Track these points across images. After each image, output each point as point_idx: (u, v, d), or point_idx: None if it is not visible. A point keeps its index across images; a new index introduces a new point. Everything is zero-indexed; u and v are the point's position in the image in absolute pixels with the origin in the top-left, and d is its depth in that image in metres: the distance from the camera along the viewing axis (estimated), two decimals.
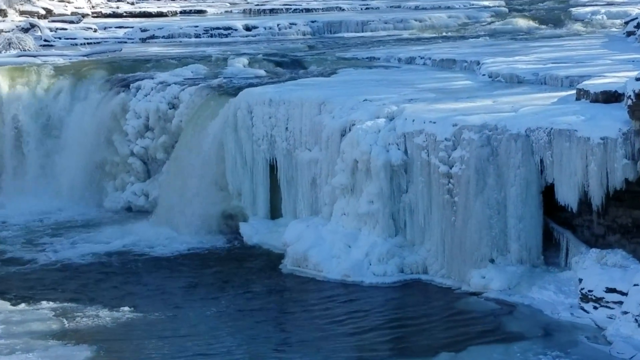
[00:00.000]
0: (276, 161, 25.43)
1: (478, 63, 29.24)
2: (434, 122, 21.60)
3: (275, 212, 25.63)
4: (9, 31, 43.59)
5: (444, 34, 45.10)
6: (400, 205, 22.18)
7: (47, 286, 22.27)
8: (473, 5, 59.05)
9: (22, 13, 52.50)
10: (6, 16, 50.92)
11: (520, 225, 20.45)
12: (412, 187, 22.01)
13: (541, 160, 20.28)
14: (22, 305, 20.69)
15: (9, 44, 39.13)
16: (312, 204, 24.48)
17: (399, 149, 22.07)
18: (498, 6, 58.60)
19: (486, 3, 60.32)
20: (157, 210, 27.16)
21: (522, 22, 47.14)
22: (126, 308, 20.35)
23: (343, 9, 58.66)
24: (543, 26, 46.18)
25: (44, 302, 20.86)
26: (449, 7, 57.29)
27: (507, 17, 50.64)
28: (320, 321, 19.71)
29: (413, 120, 22.05)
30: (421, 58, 32.73)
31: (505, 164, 20.48)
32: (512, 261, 20.60)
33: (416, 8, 57.95)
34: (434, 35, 44.71)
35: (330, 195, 23.37)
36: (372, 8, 59.30)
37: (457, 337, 18.62)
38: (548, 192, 20.49)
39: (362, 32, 47.49)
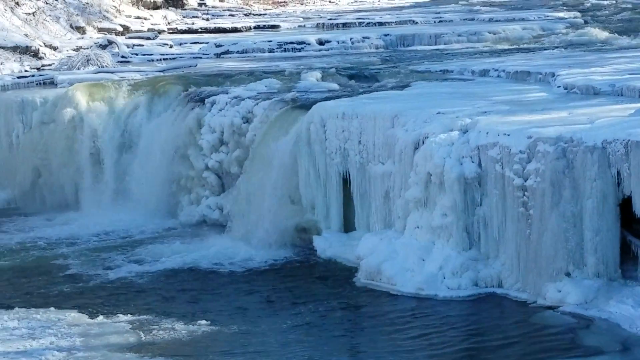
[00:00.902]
0: (349, 174, 25.35)
1: (553, 75, 28.87)
2: (508, 135, 21.37)
3: (348, 225, 25.55)
4: (87, 48, 44.21)
5: (518, 45, 44.71)
6: (474, 218, 21.96)
7: (123, 299, 22.44)
8: (548, 16, 58.44)
9: (100, 30, 53.27)
10: (84, 33, 51.69)
11: (597, 239, 20.10)
12: (486, 200, 21.79)
13: (618, 173, 19.89)
14: (100, 318, 20.86)
15: (87, 60, 39.63)
16: (386, 217, 24.34)
17: (472, 162, 21.88)
18: (573, 17, 57.92)
19: (561, 14, 59.69)
20: (231, 224, 27.22)
21: (598, 33, 46.49)
22: (202, 322, 20.39)
23: (416, 22, 58.47)
24: (619, 37, 45.53)
25: (121, 315, 20.99)
26: (523, 19, 56.75)
27: (583, 28, 50.04)
28: (394, 336, 19.56)
29: (487, 133, 21.84)
30: (495, 70, 32.43)
31: (581, 176, 20.17)
32: (589, 275, 20.24)
33: (490, 20, 57.53)
34: (508, 47, 44.34)
35: (403, 208, 23.24)
36: (446, 21, 59.01)
37: (533, 351, 18.35)
38: (625, 205, 20.13)
39: (436, 45, 47.24)
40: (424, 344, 19.08)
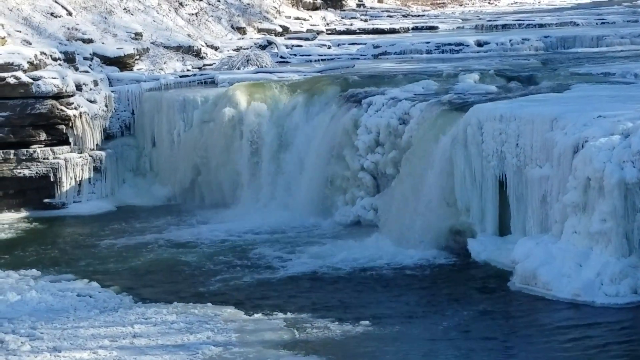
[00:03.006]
0: (505, 177, 25.08)
1: None
2: None
3: (503, 228, 25.29)
4: (247, 48, 44.90)
5: None
6: (634, 225, 21.41)
7: (277, 297, 22.70)
8: None
9: (260, 31, 54.03)
10: (245, 33, 52.52)
11: None
12: None
13: None
14: (255, 315, 21.14)
15: (247, 60, 40.24)
16: (542, 222, 23.98)
17: (634, 167, 21.37)
18: None
19: None
20: (385, 225, 27.28)
21: None
22: (355, 322, 20.42)
23: (577, 24, 57.43)
24: None
25: (276, 313, 21.23)
26: None
27: None
28: (550, 341, 19.28)
29: None
30: None
31: None
32: None
33: None
34: None
35: (561, 212, 22.86)
36: (608, 23, 57.75)
37: None
38: None
39: (597, 47, 46.29)
40: (580, 351, 18.71)
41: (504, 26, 58.75)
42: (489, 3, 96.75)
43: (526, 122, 24.57)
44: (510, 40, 47.42)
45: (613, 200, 21.43)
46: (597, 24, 57.57)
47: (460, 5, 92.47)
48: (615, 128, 22.28)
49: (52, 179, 32.76)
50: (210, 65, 41.67)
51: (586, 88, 29.87)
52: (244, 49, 44.70)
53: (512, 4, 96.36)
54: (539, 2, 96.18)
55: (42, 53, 33.79)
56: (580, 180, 22.17)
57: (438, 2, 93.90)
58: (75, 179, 33.19)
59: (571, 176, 22.50)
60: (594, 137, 22.24)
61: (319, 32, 57.96)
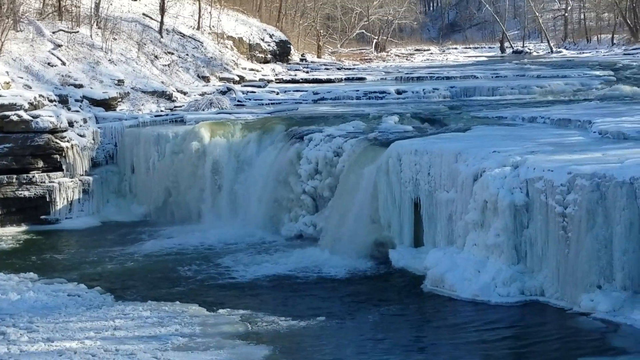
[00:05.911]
0: (420, 200, 25.26)
1: (590, 122, 28.40)
2: (552, 171, 21.13)
3: (418, 241, 25.43)
4: (210, 93, 44.71)
5: (561, 98, 44.08)
6: (522, 239, 21.71)
7: (234, 297, 22.61)
8: (586, 74, 57.39)
9: (221, 79, 53.79)
10: (209, 81, 52.26)
11: (625, 258, 19.72)
12: (532, 223, 21.53)
13: None
14: (216, 311, 21.02)
15: (210, 103, 40.11)
16: (449, 236, 24.16)
17: (521, 192, 21.66)
18: (607, 75, 56.86)
19: (597, 73, 58.58)
20: (322, 238, 27.31)
21: (628, 89, 45.62)
22: (298, 318, 20.41)
23: (477, 77, 57.88)
24: None
25: (233, 310, 21.12)
26: (565, 76, 55.80)
27: (614, 85, 49.12)
28: (454, 333, 19.45)
29: (534, 169, 21.61)
30: (542, 117, 31.98)
31: (612, 206, 19.84)
32: (617, 288, 19.84)
33: (538, 77, 56.68)
34: (553, 99, 43.73)
35: (463, 229, 23.08)
36: (501, 76, 58.36)
37: (568, 350, 18.09)
38: None
39: (493, 96, 46.66)
40: (478, 339, 18.92)
41: (418, 78, 58.93)
42: (406, 59, 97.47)
43: (436, 156, 24.78)
44: (423, 90, 47.60)
45: (505, 219, 21.68)
46: (492, 77, 58.01)
47: (384, 61, 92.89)
48: (507, 161, 22.56)
49: (47, 199, 32.39)
50: (180, 107, 41.40)
51: (484, 129, 30.16)
52: (208, 94, 44.50)
53: (424, 60, 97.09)
54: (446, 59, 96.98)
55: (40, 95, 33.47)
56: (479, 202, 22.40)
57: (366, 58, 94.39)
58: (67, 199, 32.84)
59: (472, 199, 22.74)
60: (490, 168, 22.50)
61: (269, 81, 57.85)
